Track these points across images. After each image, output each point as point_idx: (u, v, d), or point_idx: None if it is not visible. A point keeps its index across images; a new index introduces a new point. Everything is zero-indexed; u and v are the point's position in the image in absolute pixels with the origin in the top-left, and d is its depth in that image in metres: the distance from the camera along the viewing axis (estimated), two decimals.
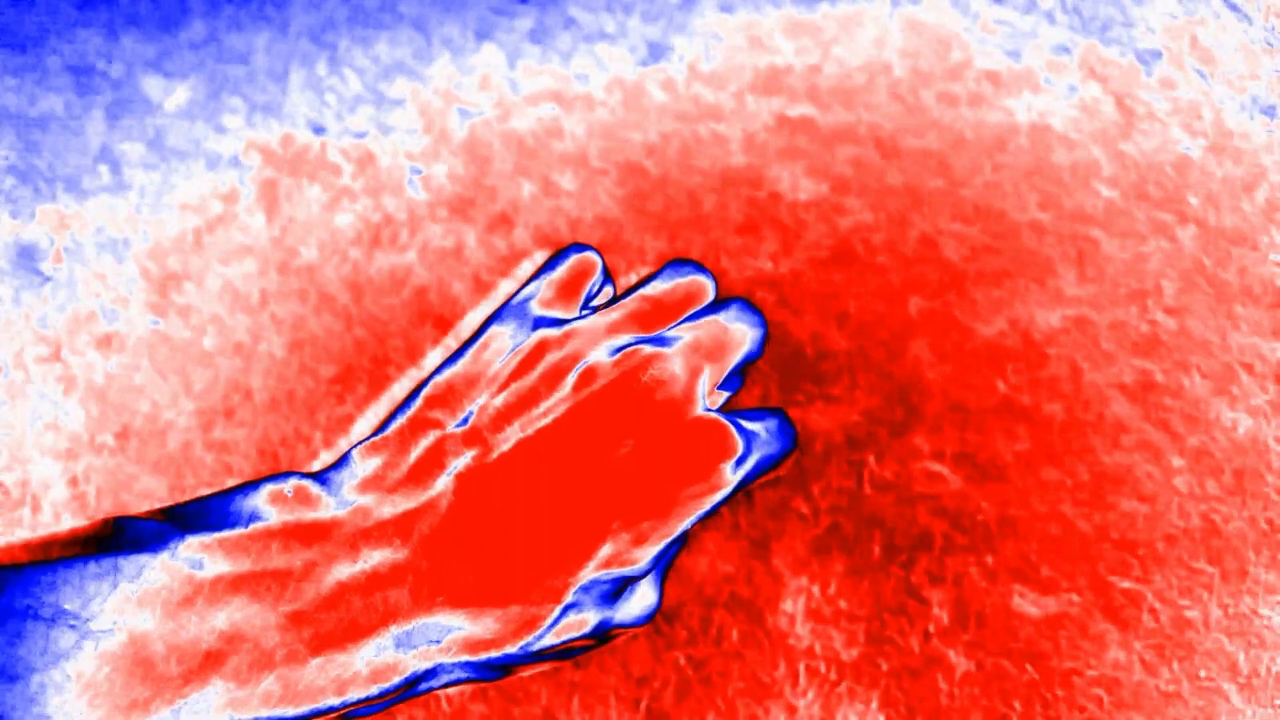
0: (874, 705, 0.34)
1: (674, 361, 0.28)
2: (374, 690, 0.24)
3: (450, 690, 0.33)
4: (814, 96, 0.40)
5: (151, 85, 0.39)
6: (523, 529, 0.26)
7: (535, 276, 0.31)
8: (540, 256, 0.38)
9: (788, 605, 0.35)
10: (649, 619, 0.28)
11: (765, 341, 0.30)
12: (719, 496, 0.27)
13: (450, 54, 0.40)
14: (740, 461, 0.27)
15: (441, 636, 0.25)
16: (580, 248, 0.31)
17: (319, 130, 0.39)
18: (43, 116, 0.39)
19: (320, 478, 0.27)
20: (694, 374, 0.28)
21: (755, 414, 0.30)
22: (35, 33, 0.39)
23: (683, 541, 0.30)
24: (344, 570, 0.25)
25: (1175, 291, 0.38)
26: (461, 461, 0.27)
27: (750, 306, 0.30)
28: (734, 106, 0.40)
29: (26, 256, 0.37)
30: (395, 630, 0.25)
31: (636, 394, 0.27)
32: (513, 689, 0.34)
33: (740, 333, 0.29)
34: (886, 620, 0.35)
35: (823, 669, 0.34)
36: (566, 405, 0.27)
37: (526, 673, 0.29)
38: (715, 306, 0.30)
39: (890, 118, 0.40)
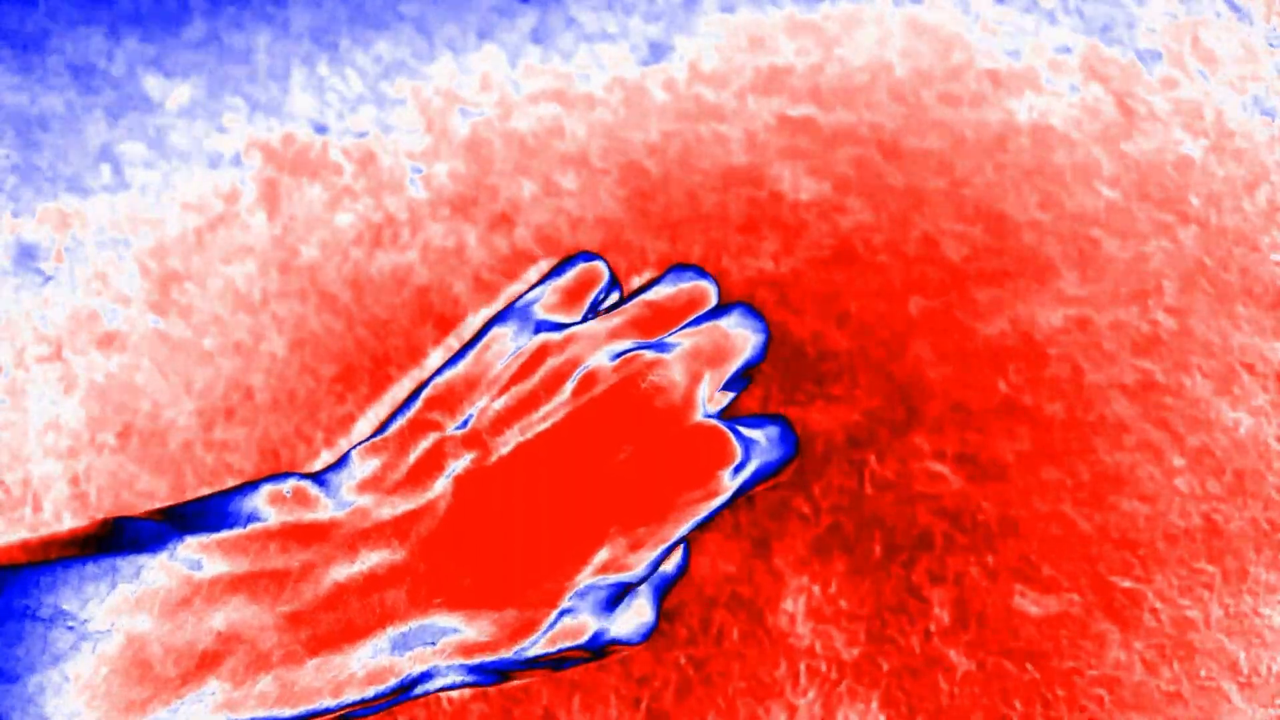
0: (874, 705, 0.34)
1: (674, 368, 0.28)
2: (370, 692, 0.25)
3: (449, 692, 0.34)
4: (815, 96, 0.40)
5: (153, 84, 0.39)
6: (520, 532, 0.26)
7: (541, 282, 0.31)
8: (543, 259, 0.38)
9: (788, 605, 0.35)
10: (645, 638, 0.28)
11: (767, 347, 0.30)
12: (717, 503, 0.27)
13: (452, 53, 0.40)
14: (739, 468, 0.27)
15: (437, 639, 0.25)
16: (588, 257, 0.31)
17: (320, 129, 0.39)
18: (44, 115, 0.39)
19: (319, 478, 0.27)
20: (694, 380, 0.28)
21: (756, 421, 0.30)
22: (36, 32, 0.39)
23: (685, 567, 0.30)
24: (342, 571, 0.25)
25: (1176, 291, 0.38)
26: (460, 464, 0.27)
27: (752, 312, 0.30)
28: (735, 106, 0.40)
29: (28, 256, 0.37)
30: (392, 632, 0.25)
31: (636, 400, 0.27)
32: (513, 689, 0.34)
33: (742, 339, 0.29)
34: (887, 620, 0.35)
35: (823, 668, 0.34)
36: (566, 410, 0.27)
37: (521, 680, 0.29)
38: (717, 312, 0.30)
39: (891, 118, 0.39)
